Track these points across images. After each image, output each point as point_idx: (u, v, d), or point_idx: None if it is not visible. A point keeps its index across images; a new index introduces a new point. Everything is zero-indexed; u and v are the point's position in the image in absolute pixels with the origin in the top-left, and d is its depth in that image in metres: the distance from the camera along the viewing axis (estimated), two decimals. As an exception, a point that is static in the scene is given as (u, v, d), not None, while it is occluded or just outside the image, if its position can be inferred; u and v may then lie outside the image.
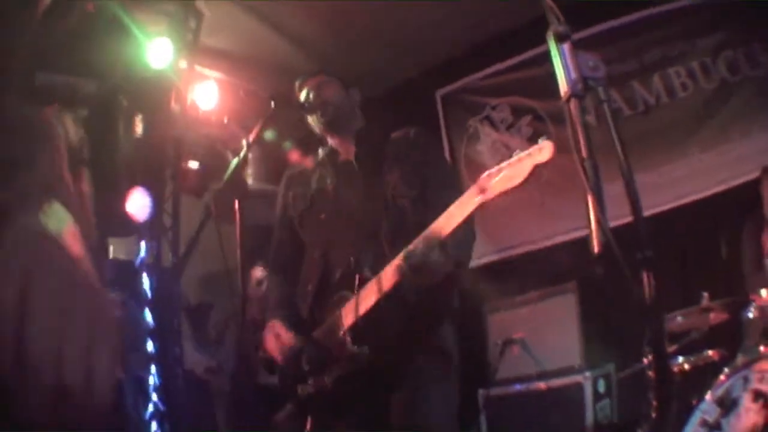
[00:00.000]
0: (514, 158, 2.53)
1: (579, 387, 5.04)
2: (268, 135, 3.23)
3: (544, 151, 2.46)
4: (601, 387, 5.09)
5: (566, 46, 1.98)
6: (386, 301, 2.80)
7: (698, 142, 5.74)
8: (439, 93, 7.14)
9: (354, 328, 2.85)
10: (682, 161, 5.78)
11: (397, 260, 2.71)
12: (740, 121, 5.59)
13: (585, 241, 1.85)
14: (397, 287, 2.76)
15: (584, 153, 1.83)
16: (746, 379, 3.58)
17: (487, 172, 2.58)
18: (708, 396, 3.71)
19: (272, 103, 3.05)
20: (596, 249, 1.77)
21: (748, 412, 3.54)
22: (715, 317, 4.20)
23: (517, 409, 5.34)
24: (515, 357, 5.52)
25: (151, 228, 5.59)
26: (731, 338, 4.16)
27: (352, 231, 3.04)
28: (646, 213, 5.23)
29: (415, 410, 2.88)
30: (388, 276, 2.77)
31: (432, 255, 2.67)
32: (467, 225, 2.78)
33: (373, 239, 2.96)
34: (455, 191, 2.79)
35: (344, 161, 3.25)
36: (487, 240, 6.46)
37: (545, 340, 5.47)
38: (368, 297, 2.82)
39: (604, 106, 1.95)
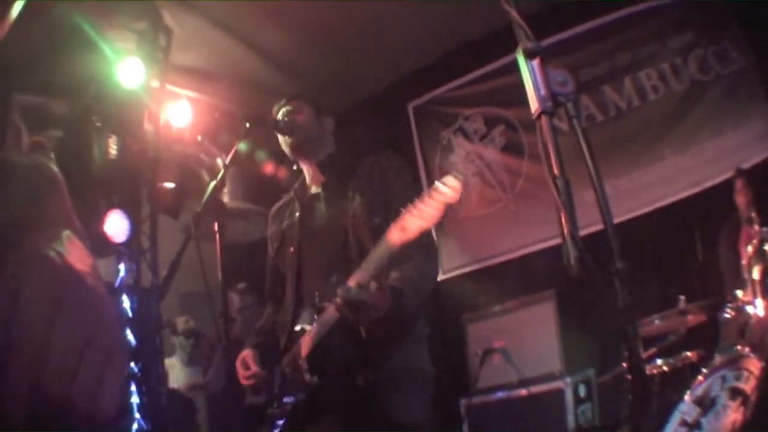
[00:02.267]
0: (425, 196, 2.60)
1: (560, 392, 5.09)
2: (244, 152, 3.25)
3: (452, 191, 2.55)
4: (582, 391, 5.14)
5: (535, 63, 2.01)
6: (335, 333, 2.90)
7: (670, 145, 5.75)
8: (411, 105, 7.13)
9: (309, 357, 2.97)
10: (656, 165, 5.79)
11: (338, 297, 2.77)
12: (711, 120, 5.62)
13: (561, 248, 1.90)
14: (342, 321, 2.84)
15: (555, 170, 1.86)
16: (724, 378, 3.61)
17: (406, 210, 2.65)
18: (687, 396, 3.72)
19: (247, 124, 3.08)
20: (571, 262, 1.80)
21: (727, 410, 3.54)
22: (692, 319, 4.27)
23: (499, 417, 5.38)
24: (496, 365, 5.58)
25: (130, 249, 5.57)
26: (709, 339, 4.19)
27: (318, 262, 3.14)
28: (622, 218, 5.35)
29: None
30: (331, 312, 2.87)
31: (363, 294, 2.72)
32: (418, 256, 2.88)
33: (338, 269, 3.00)
34: None
35: (312, 194, 3.35)
36: (463, 251, 6.55)
37: (525, 348, 5.51)
38: (321, 328, 2.94)
39: (574, 122, 1.98)
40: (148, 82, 5.65)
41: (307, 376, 2.95)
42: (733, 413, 3.52)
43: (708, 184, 5.46)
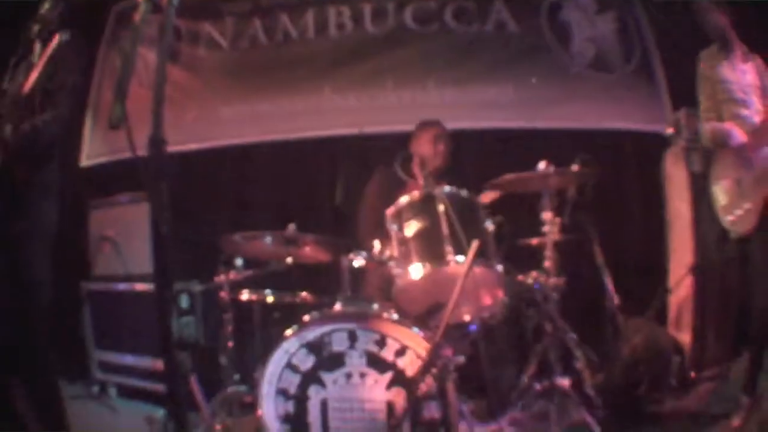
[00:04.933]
0: None
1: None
2: None
3: None
4: (184, 303, 4.98)
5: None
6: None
7: (333, 83, 5.89)
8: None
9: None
10: (312, 97, 5.92)
11: None
12: (405, 72, 5.88)
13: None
14: None
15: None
16: (354, 336, 3.29)
17: None
18: (290, 333, 3.34)
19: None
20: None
21: (366, 380, 3.25)
22: (309, 252, 3.95)
23: (114, 306, 5.25)
24: (109, 255, 5.36)
25: None
26: (326, 281, 4.07)
27: None
28: (258, 138, 5.57)
29: None
30: None
31: None
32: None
33: None
34: None
35: None
36: (102, 142, 6.28)
37: (133, 243, 5.28)
38: None
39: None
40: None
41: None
42: (385, 391, 3.25)
43: (372, 130, 5.61)
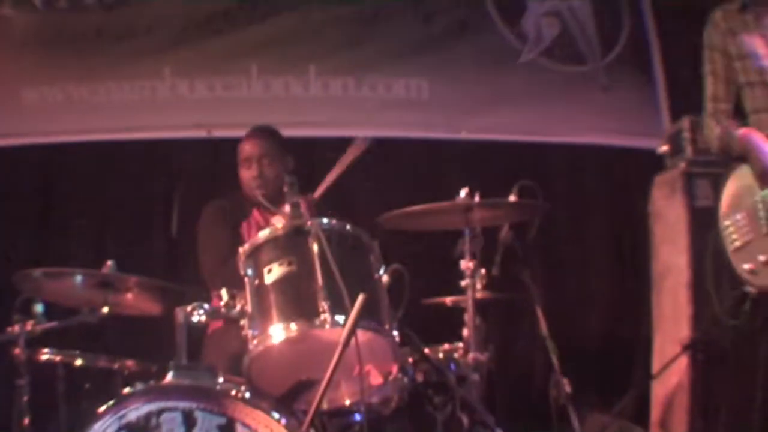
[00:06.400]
0: None
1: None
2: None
3: None
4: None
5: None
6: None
7: (176, 64, 4.98)
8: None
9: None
10: (147, 83, 5.01)
11: None
12: (277, 53, 4.96)
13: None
14: None
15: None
16: (191, 420, 2.85)
17: None
18: (108, 414, 2.82)
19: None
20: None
21: None
22: (134, 299, 3.42)
23: None
24: None
25: None
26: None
27: None
28: (62, 138, 4.86)
29: None
30: None
31: None
32: None
33: None
34: None
35: None
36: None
37: None
38: None
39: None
40: None
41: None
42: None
43: (222, 133, 4.78)
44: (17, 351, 3.36)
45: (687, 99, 4.31)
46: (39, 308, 3.44)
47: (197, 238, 4.02)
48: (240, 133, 4.41)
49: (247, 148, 3.96)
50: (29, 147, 5.01)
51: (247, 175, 3.90)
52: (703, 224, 3.94)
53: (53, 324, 3.47)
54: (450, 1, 5.02)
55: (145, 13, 5.06)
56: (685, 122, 4.30)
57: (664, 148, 4.44)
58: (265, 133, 4.02)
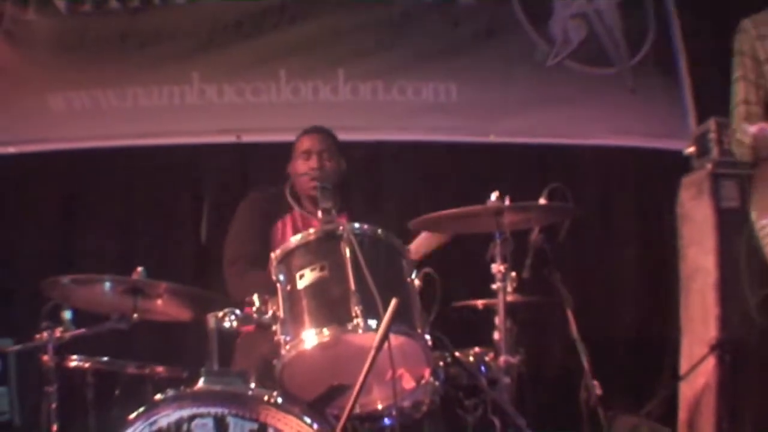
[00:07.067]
0: None
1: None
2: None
3: None
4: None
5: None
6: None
7: (205, 69, 4.97)
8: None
9: None
10: (176, 89, 4.98)
11: None
12: (306, 58, 4.94)
13: None
14: None
15: None
16: (223, 425, 2.82)
17: None
18: (139, 420, 2.80)
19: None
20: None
21: None
22: (164, 305, 3.41)
23: None
24: None
25: None
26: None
27: None
28: (90, 143, 4.85)
29: None
30: None
31: None
32: None
33: None
34: None
35: None
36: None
37: None
38: None
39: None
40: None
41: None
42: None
43: (251, 138, 4.80)
44: (46, 358, 3.35)
45: (713, 101, 4.31)
46: (67, 315, 3.42)
47: (229, 228, 4.00)
48: (269, 138, 4.47)
49: (308, 142, 3.96)
50: (57, 153, 4.97)
51: (305, 167, 3.88)
52: (731, 225, 4.00)
53: (82, 331, 3.44)
54: (478, 4, 4.99)
55: (171, 18, 5.05)
56: (711, 124, 4.31)
57: (691, 149, 4.46)
58: (325, 131, 4.03)
